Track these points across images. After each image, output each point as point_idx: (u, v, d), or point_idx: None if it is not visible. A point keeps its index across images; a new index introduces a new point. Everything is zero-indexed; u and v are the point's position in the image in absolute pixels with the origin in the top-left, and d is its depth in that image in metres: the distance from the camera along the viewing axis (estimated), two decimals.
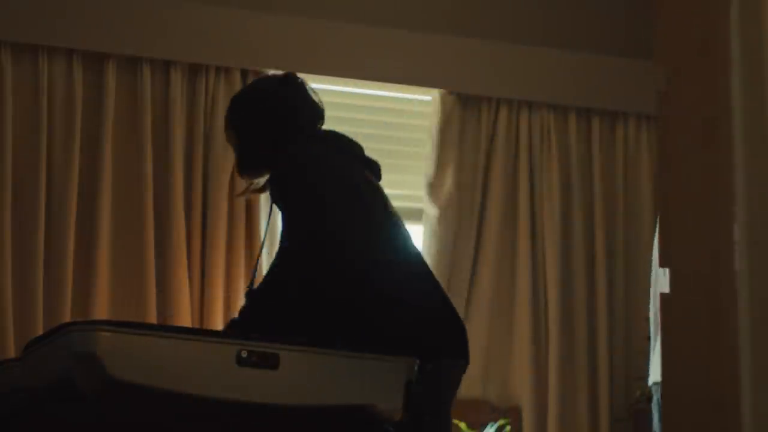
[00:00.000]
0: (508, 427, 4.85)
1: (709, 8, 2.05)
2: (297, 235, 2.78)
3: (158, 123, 4.72)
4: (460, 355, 2.80)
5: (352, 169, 3.05)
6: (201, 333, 1.80)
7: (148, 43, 4.72)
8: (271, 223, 3.55)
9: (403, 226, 3.09)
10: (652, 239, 4.91)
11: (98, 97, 4.66)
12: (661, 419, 3.54)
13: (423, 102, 5.22)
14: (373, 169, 3.20)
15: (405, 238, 3.00)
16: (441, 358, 2.71)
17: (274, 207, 3.06)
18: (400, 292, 2.79)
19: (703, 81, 2.07)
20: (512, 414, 4.99)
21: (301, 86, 3.20)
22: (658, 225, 3.18)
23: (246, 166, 3.14)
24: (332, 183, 2.93)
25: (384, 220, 2.93)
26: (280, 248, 2.81)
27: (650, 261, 3.84)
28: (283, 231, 2.85)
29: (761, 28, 1.98)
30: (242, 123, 3.12)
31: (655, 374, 3.65)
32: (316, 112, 3.20)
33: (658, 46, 2.19)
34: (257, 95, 3.18)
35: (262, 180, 3.21)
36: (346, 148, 3.09)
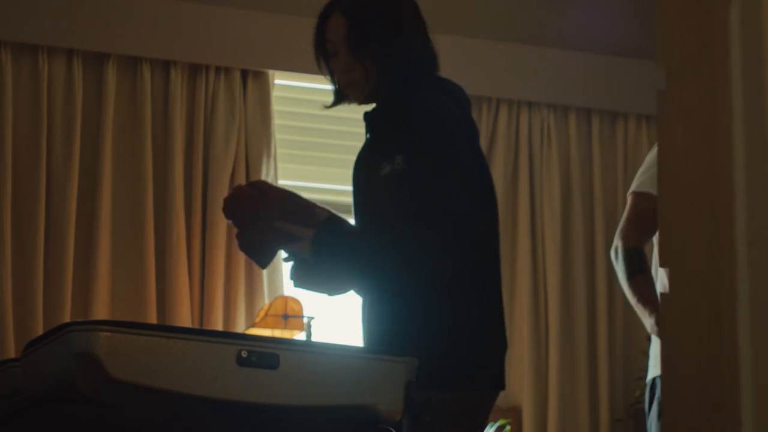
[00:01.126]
0: (508, 427, 4.86)
1: (709, 8, 2.05)
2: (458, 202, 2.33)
3: (158, 123, 4.73)
4: (499, 388, 2.63)
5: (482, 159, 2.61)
6: (201, 333, 1.80)
7: (148, 43, 4.73)
8: None
9: None
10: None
11: (98, 97, 4.66)
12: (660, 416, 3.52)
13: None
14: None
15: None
16: (491, 387, 2.58)
17: None
18: (494, 309, 2.51)
19: (703, 81, 2.07)
20: (512, 414, 4.99)
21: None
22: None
23: (374, 93, 2.48)
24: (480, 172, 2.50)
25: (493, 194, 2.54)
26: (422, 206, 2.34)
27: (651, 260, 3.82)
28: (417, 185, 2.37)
29: (761, 28, 1.98)
30: (383, 35, 2.47)
31: (654, 370, 3.61)
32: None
33: (658, 46, 2.19)
34: (391, 3, 2.52)
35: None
36: (466, 117, 2.59)
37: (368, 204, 2.51)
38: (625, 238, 3.48)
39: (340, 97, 2.59)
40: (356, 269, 2.40)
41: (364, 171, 2.55)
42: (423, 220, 2.33)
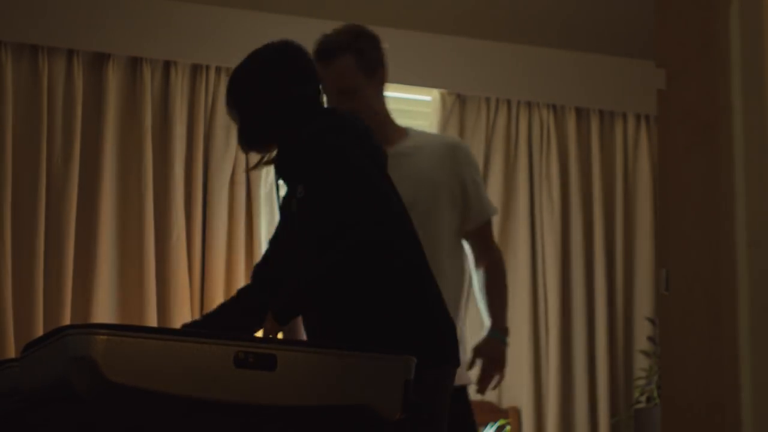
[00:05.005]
0: (508, 427, 4.85)
1: (709, 8, 2.05)
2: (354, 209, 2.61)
3: (158, 123, 4.72)
4: (456, 362, 2.74)
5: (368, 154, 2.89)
6: (198, 335, 1.79)
7: (149, 43, 4.72)
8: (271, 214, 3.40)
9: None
10: (652, 239, 4.91)
11: (98, 98, 4.66)
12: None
13: (423, 102, 5.21)
14: (379, 157, 2.98)
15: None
16: (444, 364, 2.66)
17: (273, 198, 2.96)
18: (428, 287, 2.72)
19: (703, 81, 2.07)
20: (512, 414, 4.99)
21: (303, 53, 3.02)
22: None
23: (252, 142, 2.92)
24: (362, 159, 2.77)
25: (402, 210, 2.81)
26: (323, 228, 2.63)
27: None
28: (313, 208, 2.68)
29: (761, 28, 1.97)
30: (246, 97, 2.93)
31: None
32: (317, 81, 3.00)
33: (658, 46, 2.18)
34: (259, 66, 3.00)
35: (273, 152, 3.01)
36: (355, 132, 2.89)
37: (290, 238, 2.82)
38: None
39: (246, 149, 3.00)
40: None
41: (288, 215, 2.85)
42: (333, 235, 2.58)
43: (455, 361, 2.69)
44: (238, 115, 2.91)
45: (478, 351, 3.28)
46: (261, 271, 2.90)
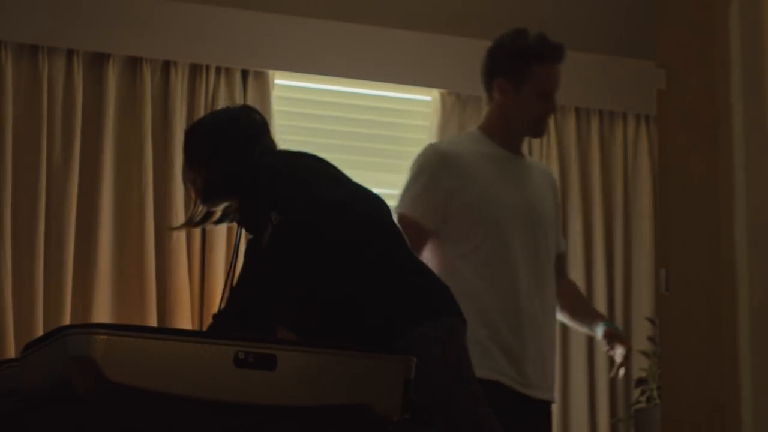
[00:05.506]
0: None
1: (709, 8, 2.05)
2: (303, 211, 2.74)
3: (158, 123, 4.72)
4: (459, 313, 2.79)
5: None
6: (198, 335, 1.80)
7: (148, 43, 4.72)
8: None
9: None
10: (652, 239, 4.91)
11: (98, 98, 4.65)
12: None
13: (423, 102, 5.21)
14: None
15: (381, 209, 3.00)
16: (448, 317, 2.71)
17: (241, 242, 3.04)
18: (400, 256, 2.80)
19: (703, 81, 2.07)
20: None
21: (255, 113, 3.21)
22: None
23: (213, 195, 3.10)
24: (308, 165, 2.93)
25: (359, 191, 2.91)
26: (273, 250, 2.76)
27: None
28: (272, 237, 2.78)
29: (761, 28, 1.97)
30: (211, 153, 3.08)
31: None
32: (270, 135, 3.20)
33: (658, 46, 2.19)
34: (217, 125, 3.15)
35: (217, 209, 3.20)
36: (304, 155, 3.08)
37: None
38: None
39: (195, 213, 3.19)
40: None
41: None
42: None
43: (448, 312, 2.73)
44: (196, 168, 3.06)
45: (610, 337, 3.40)
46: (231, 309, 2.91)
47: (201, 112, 4.75)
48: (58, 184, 4.52)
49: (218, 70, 4.80)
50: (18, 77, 4.56)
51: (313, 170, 2.87)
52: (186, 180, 3.17)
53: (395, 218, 3.22)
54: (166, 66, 4.75)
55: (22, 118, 4.53)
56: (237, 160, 2.99)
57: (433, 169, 3.43)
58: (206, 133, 3.11)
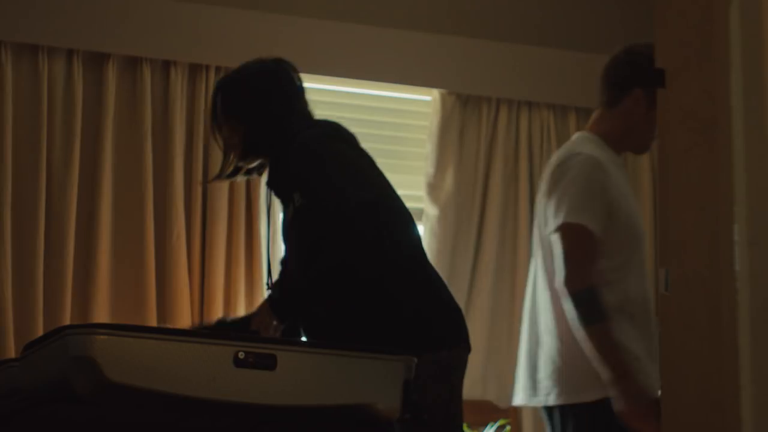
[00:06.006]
0: (508, 427, 4.85)
1: (709, 8, 2.05)
2: (349, 207, 2.65)
3: (158, 123, 4.72)
4: (466, 345, 2.86)
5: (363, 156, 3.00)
6: (198, 335, 1.80)
7: (148, 43, 4.72)
8: (272, 218, 3.47)
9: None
10: (652, 239, 4.90)
11: (98, 97, 4.66)
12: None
13: (423, 102, 5.21)
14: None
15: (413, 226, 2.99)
16: (451, 347, 2.80)
17: (274, 199, 2.99)
18: (426, 278, 2.84)
19: (703, 81, 2.07)
20: (512, 414, 4.99)
21: (292, 67, 3.15)
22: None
23: (250, 153, 2.98)
24: (360, 161, 2.89)
25: (386, 194, 2.87)
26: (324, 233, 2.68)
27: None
28: (315, 214, 2.72)
29: (761, 28, 1.97)
30: (248, 103, 2.98)
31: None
32: (305, 95, 3.14)
33: (658, 46, 2.18)
34: (256, 74, 3.08)
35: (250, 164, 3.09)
36: (349, 138, 3.02)
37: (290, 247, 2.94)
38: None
39: (226, 167, 3.08)
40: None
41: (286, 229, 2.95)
42: (333, 238, 2.67)
43: (466, 344, 2.84)
44: (236, 124, 2.95)
45: None
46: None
47: (201, 112, 4.75)
48: (58, 184, 4.52)
49: (218, 70, 4.80)
50: (18, 77, 4.56)
51: (345, 162, 2.79)
52: (218, 135, 3.06)
53: (560, 229, 3.24)
54: (166, 66, 4.75)
55: (22, 118, 4.54)
56: (277, 119, 2.93)
57: (593, 178, 3.35)
58: (248, 87, 3.02)
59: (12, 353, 4.30)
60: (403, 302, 2.72)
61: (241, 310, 4.71)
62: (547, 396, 3.37)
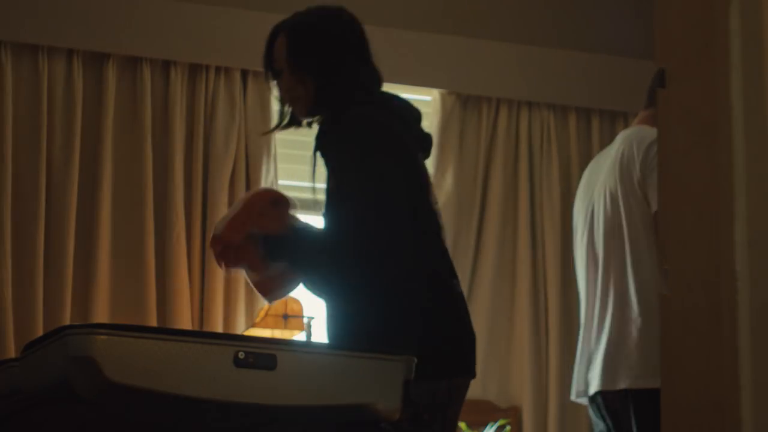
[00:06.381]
0: (508, 427, 4.85)
1: (709, 8, 2.05)
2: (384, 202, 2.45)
3: (158, 123, 4.72)
4: (472, 373, 2.64)
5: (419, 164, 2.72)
6: (198, 335, 1.80)
7: (148, 43, 4.72)
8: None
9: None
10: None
11: (98, 97, 4.66)
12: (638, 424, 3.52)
13: (423, 102, 5.21)
14: (425, 145, 2.81)
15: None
16: (461, 376, 2.59)
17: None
18: (445, 296, 2.62)
19: (703, 81, 2.07)
20: (512, 414, 4.99)
21: (355, 19, 2.80)
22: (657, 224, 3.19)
23: (321, 104, 2.63)
24: (414, 173, 2.62)
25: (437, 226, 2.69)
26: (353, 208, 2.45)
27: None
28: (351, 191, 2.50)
29: (761, 28, 1.97)
30: (324, 50, 2.65)
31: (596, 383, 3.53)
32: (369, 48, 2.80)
33: (658, 46, 2.18)
34: (331, 18, 2.72)
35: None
36: (409, 118, 2.75)
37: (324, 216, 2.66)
38: None
39: (283, 117, 2.82)
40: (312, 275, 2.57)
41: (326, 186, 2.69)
42: (360, 229, 2.45)
43: (459, 371, 2.60)
44: (303, 73, 2.64)
45: None
46: None
47: (200, 112, 4.75)
48: (58, 184, 4.53)
49: (218, 70, 4.81)
50: (18, 77, 4.56)
51: (398, 160, 2.54)
52: (275, 84, 2.78)
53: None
54: (166, 66, 4.75)
55: (22, 118, 4.54)
56: (353, 71, 2.65)
57: None
58: (324, 32, 2.70)
59: (12, 353, 4.30)
60: (410, 317, 2.49)
61: (241, 311, 4.71)
62: (636, 379, 3.40)
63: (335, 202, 2.55)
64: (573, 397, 3.69)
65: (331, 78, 2.64)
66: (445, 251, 2.70)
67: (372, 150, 2.52)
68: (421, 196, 2.62)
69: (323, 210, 2.64)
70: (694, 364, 1.98)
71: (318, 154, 2.69)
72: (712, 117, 1.97)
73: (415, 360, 1.97)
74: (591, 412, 3.57)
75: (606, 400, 3.44)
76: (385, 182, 2.49)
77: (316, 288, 2.60)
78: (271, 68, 2.77)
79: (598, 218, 3.58)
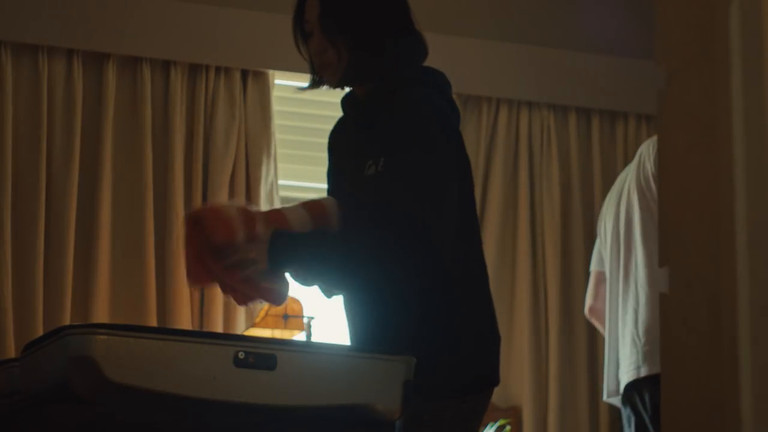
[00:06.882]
0: (508, 427, 4.85)
1: (709, 8, 2.05)
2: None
3: (158, 123, 4.72)
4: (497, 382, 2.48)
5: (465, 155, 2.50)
6: (198, 335, 1.80)
7: (148, 43, 4.72)
8: None
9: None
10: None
11: (98, 97, 4.66)
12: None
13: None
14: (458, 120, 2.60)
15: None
16: (488, 387, 2.45)
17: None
18: (483, 306, 2.45)
19: (703, 81, 2.07)
20: (512, 414, 4.99)
21: None
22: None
23: (352, 76, 2.40)
24: (465, 174, 2.41)
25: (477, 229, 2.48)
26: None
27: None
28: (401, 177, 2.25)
29: (761, 28, 1.97)
30: (361, 10, 2.38)
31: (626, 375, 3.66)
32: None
33: (658, 46, 2.18)
34: None
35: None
36: (455, 110, 2.56)
37: (351, 198, 2.42)
38: None
39: (316, 81, 2.52)
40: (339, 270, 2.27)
41: (351, 158, 2.45)
42: (406, 221, 2.22)
43: (481, 386, 2.44)
44: (335, 36, 2.36)
45: None
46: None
47: (200, 112, 4.75)
48: (58, 184, 4.53)
49: (218, 70, 4.81)
50: (18, 77, 4.56)
51: (453, 150, 2.35)
52: (304, 46, 2.49)
53: None
54: (166, 66, 4.75)
55: (22, 118, 4.54)
56: (392, 40, 2.40)
57: None
58: (363, 2, 2.40)
59: (12, 353, 4.30)
60: (450, 328, 2.33)
61: (240, 311, 4.71)
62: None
63: (382, 183, 2.29)
64: (605, 398, 3.81)
65: (369, 47, 2.38)
66: (482, 253, 2.48)
67: (434, 137, 2.30)
68: (466, 186, 2.43)
69: (349, 190, 2.41)
70: (694, 364, 1.98)
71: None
72: (712, 117, 1.97)
73: (415, 360, 1.97)
74: (623, 411, 3.65)
75: (637, 388, 3.55)
76: (444, 172, 2.28)
77: (338, 283, 2.34)
78: (302, 29, 2.48)
79: (622, 216, 3.72)
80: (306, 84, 2.59)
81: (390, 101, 2.37)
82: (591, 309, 4.16)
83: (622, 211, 3.83)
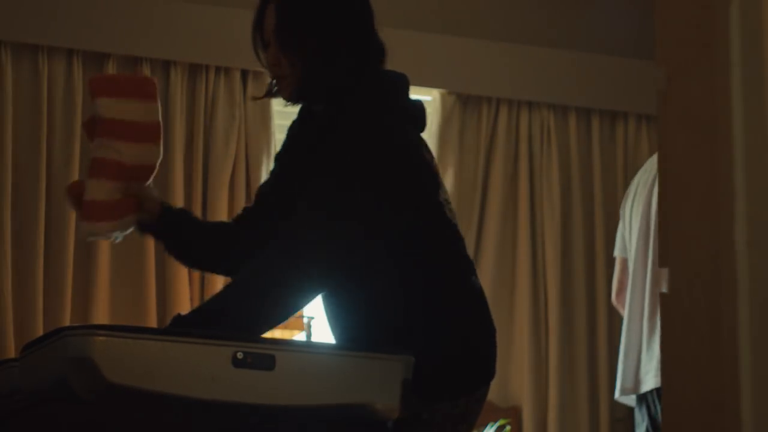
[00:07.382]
0: (508, 427, 4.85)
1: (709, 8, 2.05)
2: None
3: None
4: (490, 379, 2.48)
5: (422, 161, 2.44)
6: (196, 335, 1.80)
7: (148, 43, 4.72)
8: None
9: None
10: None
11: None
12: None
13: (423, 102, 5.21)
14: (420, 118, 2.52)
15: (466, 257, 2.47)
16: (482, 387, 2.45)
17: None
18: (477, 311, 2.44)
19: (703, 81, 2.07)
20: (512, 414, 4.99)
21: None
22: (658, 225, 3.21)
23: (305, 92, 2.30)
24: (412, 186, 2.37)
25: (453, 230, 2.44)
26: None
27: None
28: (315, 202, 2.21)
29: (761, 28, 1.97)
30: (319, 22, 2.29)
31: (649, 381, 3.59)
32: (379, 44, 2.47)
33: (658, 46, 2.18)
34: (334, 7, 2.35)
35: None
36: (412, 115, 2.47)
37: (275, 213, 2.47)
38: None
39: (273, 91, 2.46)
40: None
41: (294, 167, 2.44)
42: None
43: (477, 384, 2.45)
44: (290, 50, 2.27)
45: None
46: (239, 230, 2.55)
47: (200, 112, 4.75)
48: (58, 184, 4.52)
49: (218, 70, 4.81)
50: (18, 77, 4.56)
51: (394, 181, 2.29)
52: (262, 55, 2.43)
53: None
54: (166, 66, 4.75)
55: (22, 118, 4.54)
56: (351, 54, 2.31)
57: None
58: (315, 15, 2.30)
59: (12, 353, 4.30)
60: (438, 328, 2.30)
61: None
62: None
63: (296, 202, 2.28)
64: (617, 396, 3.72)
65: (322, 62, 2.29)
66: (461, 249, 2.44)
67: (362, 172, 2.23)
68: (427, 199, 2.41)
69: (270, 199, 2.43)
70: (694, 364, 1.98)
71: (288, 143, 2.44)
72: (712, 117, 1.97)
73: (413, 359, 1.97)
74: (637, 411, 3.61)
75: (660, 395, 3.50)
76: (352, 210, 2.21)
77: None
78: (261, 37, 2.42)
79: (654, 206, 3.73)
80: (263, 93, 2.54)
81: (333, 127, 2.29)
82: (618, 297, 4.13)
83: (654, 201, 3.73)
